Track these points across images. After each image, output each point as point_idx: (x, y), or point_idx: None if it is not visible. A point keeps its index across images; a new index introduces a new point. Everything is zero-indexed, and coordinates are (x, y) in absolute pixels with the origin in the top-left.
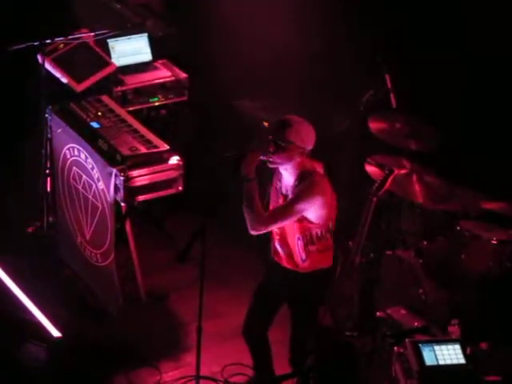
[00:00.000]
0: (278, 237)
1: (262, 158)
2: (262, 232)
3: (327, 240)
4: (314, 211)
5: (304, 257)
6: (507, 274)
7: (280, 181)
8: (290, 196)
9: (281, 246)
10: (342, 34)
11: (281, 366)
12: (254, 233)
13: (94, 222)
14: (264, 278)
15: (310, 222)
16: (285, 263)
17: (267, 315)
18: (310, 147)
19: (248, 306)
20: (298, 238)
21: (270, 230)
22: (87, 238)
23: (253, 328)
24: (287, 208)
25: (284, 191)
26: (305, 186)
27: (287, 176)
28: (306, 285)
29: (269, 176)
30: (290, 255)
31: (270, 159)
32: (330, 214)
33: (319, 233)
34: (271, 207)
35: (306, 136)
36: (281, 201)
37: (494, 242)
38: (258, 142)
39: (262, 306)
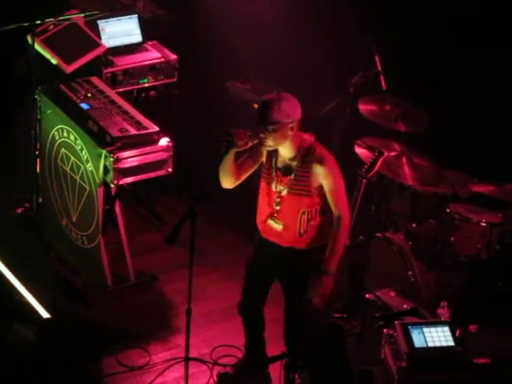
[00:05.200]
0: (275, 214)
1: (255, 142)
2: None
3: (330, 215)
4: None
5: (302, 231)
6: (496, 257)
7: (275, 157)
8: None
9: (277, 223)
10: (333, 15)
11: (275, 344)
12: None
13: (81, 204)
14: (254, 255)
15: (321, 196)
16: (280, 241)
17: (261, 291)
18: (298, 117)
19: (242, 283)
20: (303, 213)
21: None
22: (73, 220)
23: (248, 305)
24: (338, 186)
25: (280, 165)
26: (323, 162)
27: (284, 150)
28: (301, 262)
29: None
30: (286, 231)
31: (265, 143)
32: None
33: (324, 207)
34: (264, 183)
35: (290, 109)
36: (277, 176)
37: (484, 225)
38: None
39: (255, 283)
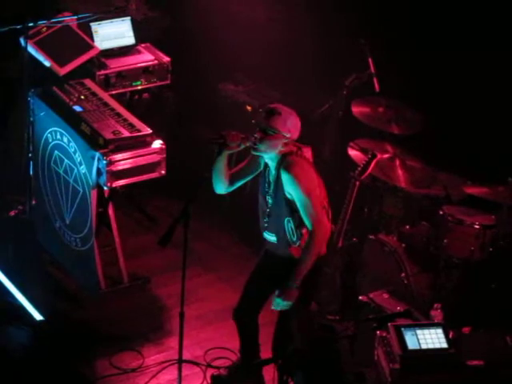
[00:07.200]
0: (265, 225)
1: (247, 144)
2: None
3: None
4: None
5: (295, 239)
6: (489, 259)
7: (268, 169)
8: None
9: (270, 235)
10: (326, 16)
11: (269, 347)
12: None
13: (74, 206)
14: (258, 262)
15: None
16: (276, 250)
17: (259, 299)
18: (294, 137)
19: (242, 289)
20: (288, 221)
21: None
22: (67, 222)
23: (243, 311)
24: (306, 198)
25: (268, 178)
26: (288, 168)
27: (270, 161)
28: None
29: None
30: (280, 241)
31: (255, 146)
32: (320, 194)
33: None
34: (260, 196)
35: (293, 126)
36: (268, 187)
37: (477, 227)
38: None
39: (254, 291)
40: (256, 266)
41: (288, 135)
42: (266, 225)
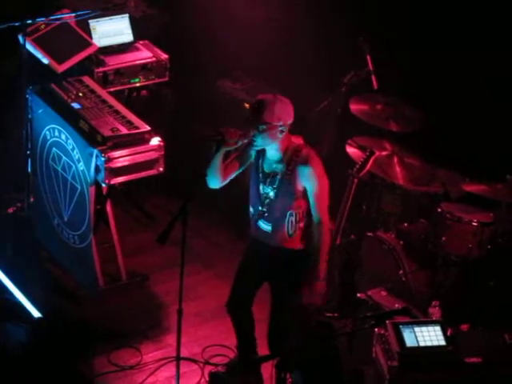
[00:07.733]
0: (263, 215)
1: (245, 141)
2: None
3: None
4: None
5: (291, 232)
6: (487, 256)
7: (261, 159)
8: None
9: (266, 224)
10: (325, 14)
11: (266, 343)
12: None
13: (73, 203)
14: (246, 254)
15: (307, 198)
16: (269, 241)
17: (250, 290)
18: (289, 121)
19: (232, 281)
20: (291, 214)
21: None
22: (65, 219)
23: (235, 305)
24: (322, 189)
25: (267, 167)
26: (308, 162)
27: (272, 152)
28: (291, 263)
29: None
30: (275, 232)
31: (255, 143)
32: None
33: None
34: (252, 185)
35: (282, 112)
36: (264, 178)
37: (475, 224)
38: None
39: (244, 282)
40: (244, 259)
41: (280, 123)
42: (263, 214)
